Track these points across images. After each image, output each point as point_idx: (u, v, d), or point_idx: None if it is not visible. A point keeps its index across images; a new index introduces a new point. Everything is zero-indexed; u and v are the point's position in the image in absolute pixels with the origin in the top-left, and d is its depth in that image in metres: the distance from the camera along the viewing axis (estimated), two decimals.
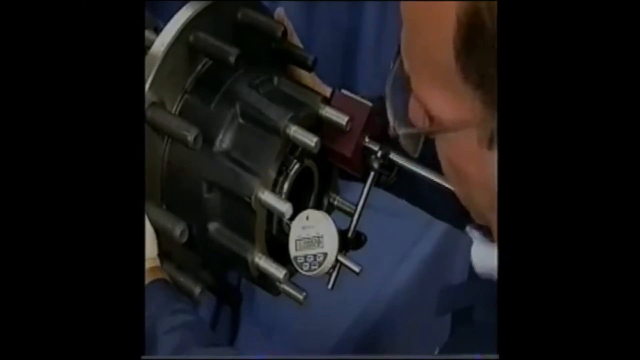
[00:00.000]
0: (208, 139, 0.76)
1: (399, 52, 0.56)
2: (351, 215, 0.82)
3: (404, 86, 0.56)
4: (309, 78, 0.87)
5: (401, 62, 0.55)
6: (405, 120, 0.57)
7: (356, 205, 0.81)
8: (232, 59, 0.75)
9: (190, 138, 0.73)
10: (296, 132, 0.75)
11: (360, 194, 0.81)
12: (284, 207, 0.74)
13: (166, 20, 0.78)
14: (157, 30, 0.78)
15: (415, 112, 0.56)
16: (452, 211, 0.84)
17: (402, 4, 0.53)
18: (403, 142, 0.59)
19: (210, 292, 0.88)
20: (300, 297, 0.80)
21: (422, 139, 0.58)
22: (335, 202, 0.89)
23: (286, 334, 1.34)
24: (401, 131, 0.57)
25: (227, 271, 0.92)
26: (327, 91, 0.87)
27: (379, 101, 0.82)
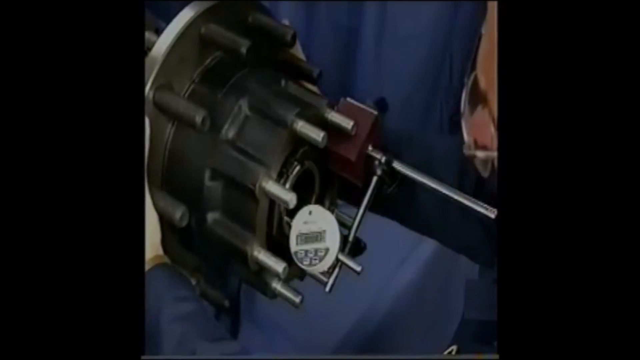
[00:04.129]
0: (214, 127, 0.76)
1: (472, 69, 0.55)
2: (348, 228, 0.82)
3: (480, 103, 0.55)
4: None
5: (475, 78, 0.55)
6: (482, 140, 0.56)
7: (357, 211, 0.81)
8: (243, 50, 0.76)
9: (198, 119, 0.73)
10: (303, 126, 0.75)
11: (361, 200, 0.81)
12: (288, 197, 0.74)
13: (167, 21, 0.78)
14: (158, 32, 0.78)
15: (483, 128, 0.55)
16: (454, 237, 0.85)
17: (487, 22, 0.52)
18: (479, 165, 0.59)
19: (201, 296, 0.87)
20: (297, 300, 0.79)
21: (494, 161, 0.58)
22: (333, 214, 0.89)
23: (286, 336, 1.34)
24: (480, 154, 0.57)
25: (223, 270, 0.92)
26: None
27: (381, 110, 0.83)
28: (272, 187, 0.74)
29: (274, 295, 0.81)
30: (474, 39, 0.55)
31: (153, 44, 0.77)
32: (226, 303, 0.87)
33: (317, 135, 0.75)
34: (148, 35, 0.81)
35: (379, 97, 0.86)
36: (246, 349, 0.74)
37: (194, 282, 0.83)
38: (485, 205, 0.73)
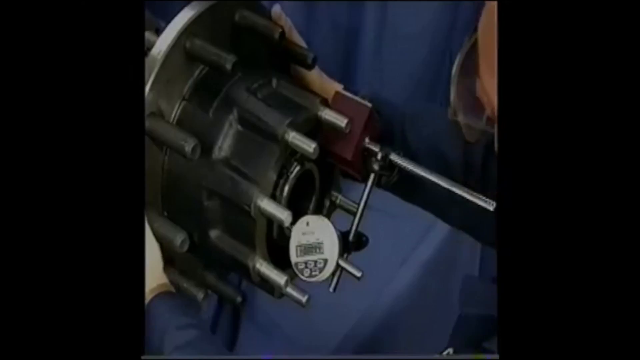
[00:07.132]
0: (207, 146, 0.75)
1: (475, 30, 0.54)
2: (353, 214, 0.82)
3: (473, 68, 0.55)
4: (315, 75, 0.86)
5: (475, 41, 0.54)
6: (467, 107, 0.57)
7: (357, 207, 0.81)
8: (228, 66, 0.75)
9: (188, 149, 0.73)
10: (294, 137, 0.75)
11: (361, 195, 0.81)
12: (284, 215, 0.74)
13: (167, 21, 0.78)
14: (158, 32, 0.78)
15: (469, 94, 0.55)
16: (459, 214, 0.84)
17: None
18: (463, 128, 0.59)
19: (214, 292, 0.88)
20: (303, 299, 0.79)
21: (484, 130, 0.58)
22: (338, 201, 0.89)
23: (286, 335, 1.34)
24: (462, 120, 0.58)
25: (229, 273, 0.92)
26: (334, 86, 0.86)
27: (376, 102, 0.83)
28: (268, 205, 0.75)
29: (281, 295, 0.81)
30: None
31: (153, 44, 0.77)
32: (238, 299, 0.87)
33: (308, 146, 0.74)
34: (148, 35, 0.81)
35: (378, 97, 0.85)
36: (243, 355, 0.74)
37: (200, 296, 0.82)
38: (484, 198, 0.73)
